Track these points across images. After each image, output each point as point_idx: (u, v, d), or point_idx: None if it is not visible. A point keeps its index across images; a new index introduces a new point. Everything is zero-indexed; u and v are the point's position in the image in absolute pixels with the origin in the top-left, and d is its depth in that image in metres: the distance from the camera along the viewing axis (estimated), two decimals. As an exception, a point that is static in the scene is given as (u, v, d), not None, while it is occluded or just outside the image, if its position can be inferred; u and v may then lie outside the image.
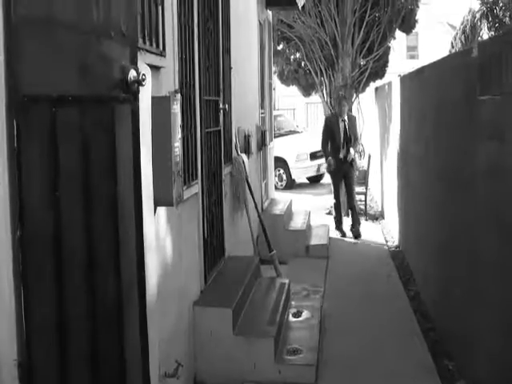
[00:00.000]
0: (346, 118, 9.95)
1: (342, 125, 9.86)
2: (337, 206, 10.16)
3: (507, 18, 16.30)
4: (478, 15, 17.83)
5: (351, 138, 9.89)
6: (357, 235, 9.86)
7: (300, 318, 5.57)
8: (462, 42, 21.69)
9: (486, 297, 4.03)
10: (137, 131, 2.59)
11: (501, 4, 16.27)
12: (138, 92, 2.55)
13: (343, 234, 10.00)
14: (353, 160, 10.08)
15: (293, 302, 6.03)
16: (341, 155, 9.80)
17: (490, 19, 16.59)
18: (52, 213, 1.94)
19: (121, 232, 2.42)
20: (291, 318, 5.56)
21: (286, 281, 6.11)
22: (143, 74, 2.51)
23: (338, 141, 9.77)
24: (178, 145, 3.42)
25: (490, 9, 16.48)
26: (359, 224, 10.07)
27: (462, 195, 4.72)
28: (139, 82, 2.50)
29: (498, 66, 3.66)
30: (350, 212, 10.26)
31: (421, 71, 6.98)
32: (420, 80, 7.02)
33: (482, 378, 4.12)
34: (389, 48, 13.74)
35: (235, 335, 4.56)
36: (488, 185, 3.97)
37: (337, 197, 10.13)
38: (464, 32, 21.87)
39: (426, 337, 5.50)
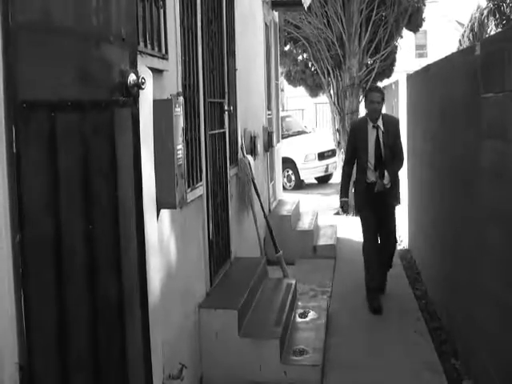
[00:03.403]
0: (380, 123, 6.38)
1: (373, 134, 6.36)
2: (367, 261, 6.48)
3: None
4: (485, 12, 17.78)
5: (388, 154, 6.37)
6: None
7: (306, 319, 5.57)
8: (469, 39, 21.60)
9: (490, 295, 4.02)
10: (137, 135, 2.60)
11: (508, 1, 16.22)
12: (137, 95, 2.57)
13: (375, 309, 6.24)
14: (392, 189, 6.44)
15: (299, 303, 6.04)
16: (369, 179, 6.37)
17: (497, 16, 16.56)
18: (52, 217, 1.95)
19: (122, 235, 2.44)
20: (298, 319, 5.57)
21: (293, 281, 6.12)
22: (143, 78, 2.52)
23: (364, 158, 6.37)
24: (180, 147, 3.43)
25: (497, 6, 16.46)
26: (385, 282, 6.83)
27: (467, 194, 4.71)
28: (139, 86, 2.52)
29: (500, 64, 3.66)
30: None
31: (426, 69, 6.97)
32: (425, 78, 7.01)
33: (487, 376, 4.11)
34: (396, 47, 13.73)
35: (241, 336, 4.57)
36: (492, 183, 3.96)
37: (367, 247, 6.46)
38: (472, 30, 21.77)
39: (433, 336, 5.49)
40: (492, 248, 3.98)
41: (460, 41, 22.75)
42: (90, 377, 2.22)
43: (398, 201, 6.69)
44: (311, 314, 5.68)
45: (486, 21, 18.21)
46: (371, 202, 6.40)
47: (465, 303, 4.84)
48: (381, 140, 6.36)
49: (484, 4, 18.53)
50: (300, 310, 5.78)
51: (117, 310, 2.43)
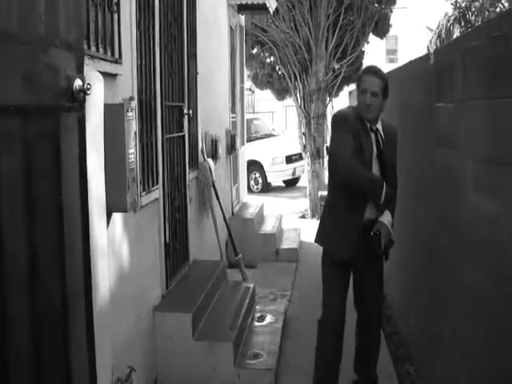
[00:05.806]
0: (380, 126, 4.18)
1: (373, 139, 4.12)
2: (321, 351, 4.43)
3: (479, 23, 16.50)
4: (451, 19, 18.06)
5: (388, 176, 4.17)
6: None
7: (263, 323, 5.61)
8: (437, 45, 21.86)
9: (442, 300, 4.08)
10: (83, 139, 2.60)
11: (473, 9, 16.50)
12: (83, 101, 2.57)
13: None
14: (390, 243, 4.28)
15: (258, 306, 6.08)
16: (367, 216, 4.16)
17: (463, 24, 16.83)
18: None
19: (66, 238, 2.44)
20: (255, 323, 5.60)
21: (251, 285, 6.15)
22: (88, 83, 2.53)
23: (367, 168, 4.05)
24: (132, 151, 3.44)
25: (462, 14, 16.73)
26: None
27: (423, 203, 4.78)
28: (84, 91, 2.52)
29: (449, 73, 3.73)
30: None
31: (388, 76, 7.03)
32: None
33: (439, 383, 4.17)
34: (363, 52, 13.83)
35: (195, 340, 4.58)
36: (441, 193, 4.02)
37: (328, 326, 4.36)
38: (439, 36, 22.04)
39: (389, 341, 5.55)
40: (443, 253, 4.04)
41: (428, 47, 23.00)
42: (29, 379, 2.21)
43: (386, 252, 4.28)
44: (268, 318, 5.72)
45: (452, 28, 18.48)
46: (357, 256, 4.12)
47: (418, 309, 4.90)
48: (382, 150, 4.14)
49: (451, 11, 18.82)
50: (258, 314, 5.81)
51: (60, 313, 2.42)
